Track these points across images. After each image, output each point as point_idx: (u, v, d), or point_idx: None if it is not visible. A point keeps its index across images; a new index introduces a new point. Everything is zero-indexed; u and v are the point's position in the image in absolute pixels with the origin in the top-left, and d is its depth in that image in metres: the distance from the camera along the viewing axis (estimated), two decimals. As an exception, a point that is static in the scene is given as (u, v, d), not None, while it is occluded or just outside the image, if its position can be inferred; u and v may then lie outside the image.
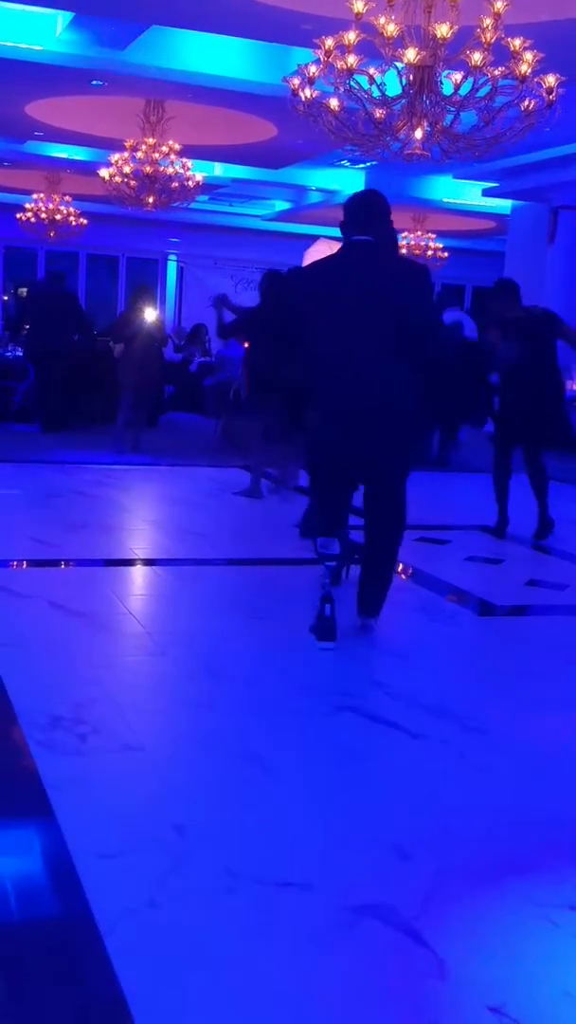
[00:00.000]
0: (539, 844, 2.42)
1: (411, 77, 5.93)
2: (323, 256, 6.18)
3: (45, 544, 5.12)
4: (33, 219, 14.61)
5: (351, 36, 5.74)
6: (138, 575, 4.90)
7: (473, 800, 2.62)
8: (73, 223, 14.72)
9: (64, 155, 12.80)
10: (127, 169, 10.67)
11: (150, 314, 8.91)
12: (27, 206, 14.60)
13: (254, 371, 6.50)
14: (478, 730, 3.07)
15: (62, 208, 14.59)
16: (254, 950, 1.92)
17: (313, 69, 6.09)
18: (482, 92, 5.83)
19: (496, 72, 5.72)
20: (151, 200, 10.96)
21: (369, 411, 3.68)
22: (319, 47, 5.92)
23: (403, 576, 4.82)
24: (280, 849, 2.29)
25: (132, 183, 10.78)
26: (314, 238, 13.76)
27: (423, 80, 5.91)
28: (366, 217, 3.83)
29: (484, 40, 5.61)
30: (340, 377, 3.69)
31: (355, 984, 1.84)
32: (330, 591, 3.71)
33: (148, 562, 5.08)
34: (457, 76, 5.94)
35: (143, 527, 6.01)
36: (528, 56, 5.70)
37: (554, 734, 3.12)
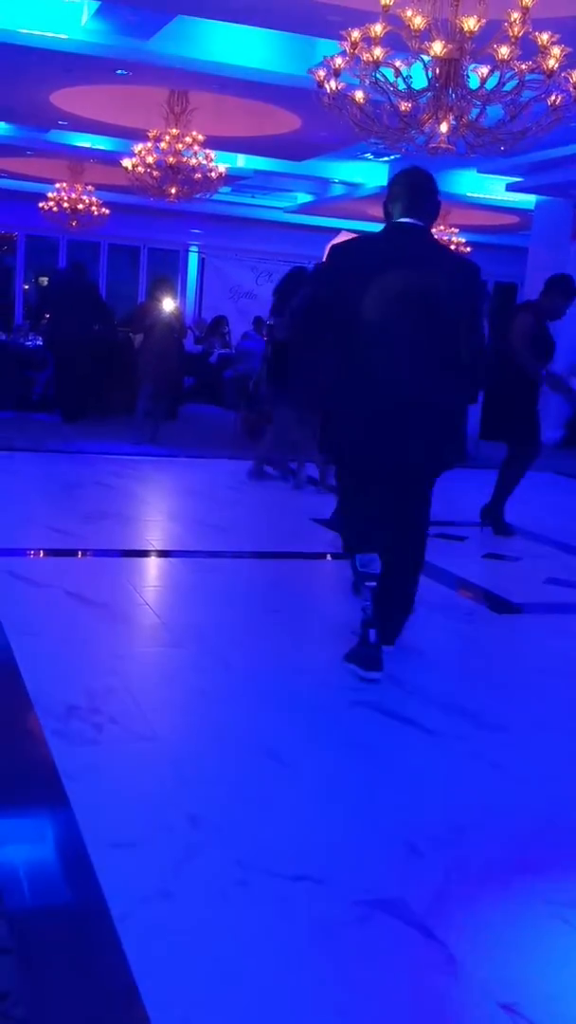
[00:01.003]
0: (553, 842, 2.41)
1: (437, 70, 5.90)
2: None
3: (63, 534, 5.15)
4: (55, 208, 14.64)
5: (377, 28, 5.71)
6: (155, 566, 4.92)
7: (487, 798, 2.62)
8: (95, 213, 14.74)
9: (87, 144, 12.81)
10: (150, 159, 10.67)
11: (169, 305, 8.92)
12: (49, 195, 14.62)
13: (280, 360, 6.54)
14: (494, 727, 3.06)
15: (84, 198, 14.61)
16: (266, 942, 1.92)
17: (339, 61, 6.07)
18: (508, 86, 5.80)
19: (523, 66, 5.68)
20: (174, 191, 10.96)
21: (408, 416, 3.32)
22: (345, 39, 5.89)
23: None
24: (293, 842, 2.30)
25: (155, 173, 10.77)
26: (336, 231, 13.70)
27: (449, 73, 5.87)
28: (416, 197, 3.41)
29: (511, 34, 5.57)
30: (379, 375, 3.31)
31: (366, 979, 1.84)
32: (371, 615, 3.37)
33: (165, 553, 5.09)
34: (484, 70, 5.89)
35: (161, 518, 6.03)
36: (555, 51, 5.66)
37: (570, 733, 3.11)
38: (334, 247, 3.64)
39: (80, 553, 4.92)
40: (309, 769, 2.69)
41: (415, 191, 3.43)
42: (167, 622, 3.87)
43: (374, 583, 3.39)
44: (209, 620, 3.96)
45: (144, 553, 5.05)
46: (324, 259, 3.71)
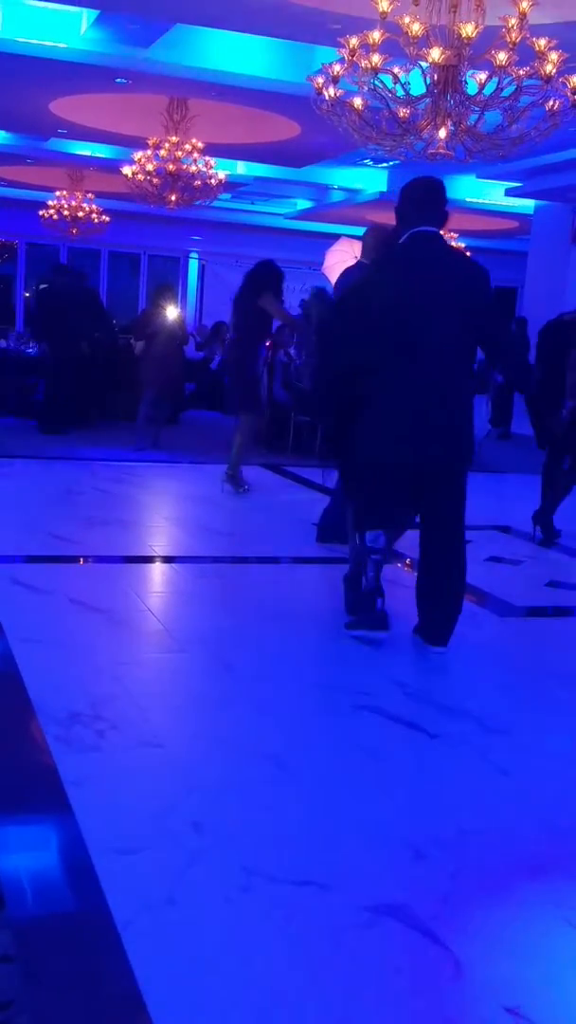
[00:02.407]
0: (558, 846, 2.41)
1: (435, 76, 5.92)
2: (344, 254, 6.17)
3: (65, 540, 5.15)
4: (56, 216, 14.68)
5: (375, 35, 5.73)
6: (157, 572, 4.92)
7: (491, 801, 2.61)
8: (95, 220, 14.78)
9: (87, 153, 12.86)
10: (150, 167, 10.71)
11: (171, 312, 8.94)
12: (50, 203, 14.67)
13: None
14: (498, 731, 3.06)
15: (84, 205, 14.65)
16: (270, 948, 1.92)
17: (337, 68, 6.09)
18: (507, 92, 5.82)
19: (521, 72, 5.70)
20: (174, 198, 11.00)
21: (448, 428, 3.46)
22: (343, 46, 5.91)
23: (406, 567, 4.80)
24: (297, 848, 2.30)
25: (155, 181, 10.81)
26: (336, 237, 13.74)
27: (447, 79, 5.90)
28: (432, 205, 3.54)
29: (509, 40, 5.60)
30: (411, 388, 3.44)
31: (371, 983, 1.84)
32: (377, 584, 3.65)
33: (167, 559, 5.09)
34: (482, 76, 5.92)
35: (162, 524, 6.03)
36: (553, 56, 5.68)
37: (573, 736, 3.10)
38: (364, 265, 3.77)
39: (82, 559, 4.92)
40: (313, 774, 2.69)
41: (432, 198, 3.54)
42: (169, 628, 3.87)
43: (379, 556, 3.66)
44: (211, 626, 3.96)
45: (146, 559, 5.06)
46: (352, 298, 3.73)
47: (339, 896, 2.11)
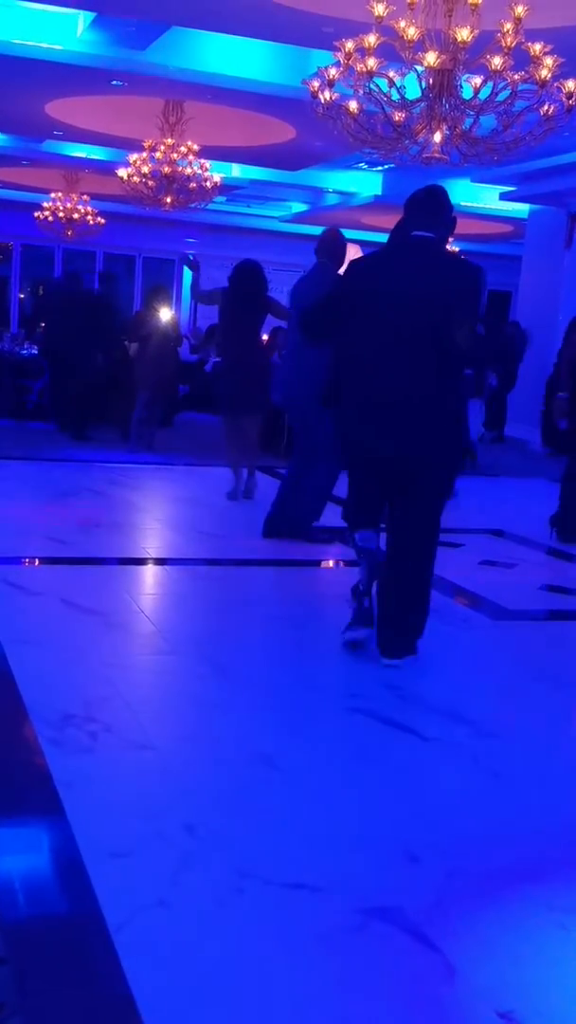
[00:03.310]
0: (551, 849, 2.41)
1: (431, 80, 5.93)
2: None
3: (58, 542, 5.14)
4: (51, 218, 14.67)
5: (371, 39, 5.74)
6: (151, 574, 4.91)
7: (484, 804, 2.62)
8: (91, 222, 14.77)
9: (83, 155, 12.85)
10: (145, 169, 10.70)
11: (165, 314, 8.93)
12: (45, 205, 14.66)
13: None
14: (491, 734, 3.06)
15: (80, 207, 14.64)
16: (263, 951, 1.92)
17: (333, 72, 6.10)
18: (501, 96, 5.83)
19: (516, 76, 5.72)
20: (169, 200, 10.99)
21: (402, 420, 3.47)
22: (339, 50, 5.92)
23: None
24: (290, 850, 2.29)
25: (150, 183, 10.81)
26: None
27: (443, 84, 5.91)
28: (431, 213, 3.63)
29: (504, 44, 5.61)
30: (372, 378, 3.53)
31: (364, 987, 1.84)
32: (364, 587, 3.70)
33: (161, 561, 5.09)
34: (477, 80, 5.93)
35: (156, 526, 6.03)
36: (548, 61, 5.69)
37: (566, 740, 3.11)
38: (352, 262, 4.02)
39: (76, 561, 4.92)
40: (306, 777, 2.69)
41: (426, 207, 3.65)
42: (163, 630, 3.87)
43: (371, 558, 3.71)
44: (205, 628, 3.96)
45: (140, 561, 5.05)
46: (345, 273, 4.03)
47: (332, 899, 2.10)
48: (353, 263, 3.93)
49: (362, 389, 3.60)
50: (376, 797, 2.60)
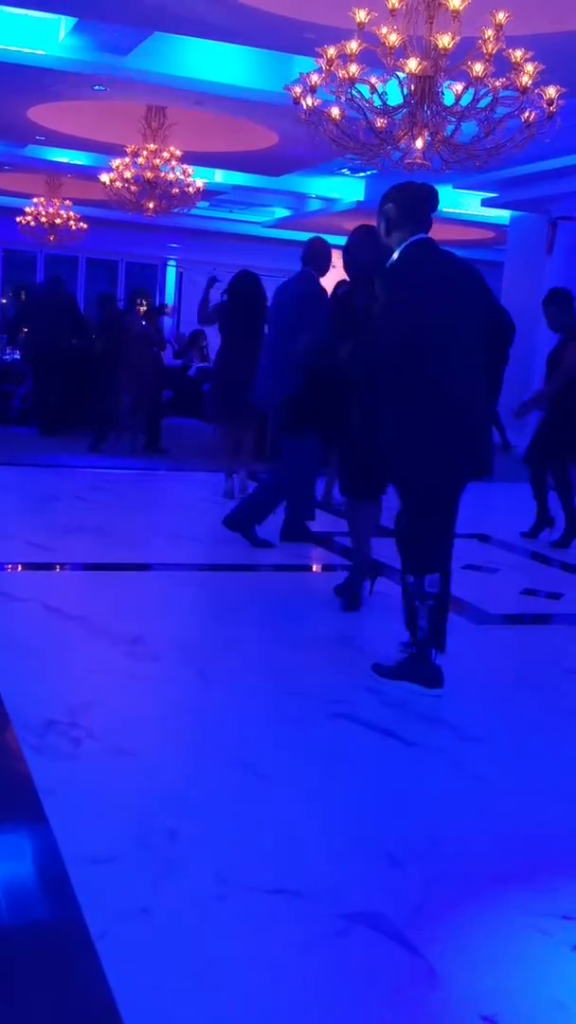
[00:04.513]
0: (532, 854, 2.42)
1: (412, 87, 5.96)
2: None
3: (41, 548, 5.12)
4: (33, 223, 14.64)
5: (353, 45, 5.76)
6: (134, 580, 4.90)
7: (466, 809, 2.62)
8: (73, 227, 14.75)
9: (65, 160, 12.83)
10: (128, 174, 10.70)
11: (145, 317, 8.93)
12: (27, 210, 14.62)
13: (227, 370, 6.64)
14: (473, 739, 3.07)
15: (62, 212, 14.62)
16: (246, 957, 1.91)
17: (315, 78, 6.12)
18: (483, 103, 5.86)
19: (497, 83, 5.75)
20: (151, 205, 10.99)
21: (480, 423, 3.42)
22: (321, 56, 5.94)
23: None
24: (273, 856, 2.29)
25: (133, 188, 10.81)
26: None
27: (424, 90, 5.94)
28: (423, 211, 3.46)
29: (485, 51, 5.64)
30: (455, 389, 3.31)
31: (347, 992, 1.84)
32: (429, 634, 3.38)
33: (144, 567, 5.07)
34: (458, 87, 5.96)
35: (140, 531, 6.01)
36: (529, 67, 5.73)
37: (549, 744, 3.12)
38: (402, 280, 3.58)
39: (58, 567, 4.90)
40: (289, 782, 2.68)
41: (424, 205, 3.46)
42: (145, 636, 3.85)
43: (432, 602, 3.36)
44: (188, 633, 3.95)
45: (123, 566, 5.03)
46: (395, 300, 3.56)
47: (314, 905, 2.10)
48: (408, 283, 3.50)
49: (450, 404, 3.29)
50: (358, 802, 2.60)
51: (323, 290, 5.50)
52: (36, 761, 2.65)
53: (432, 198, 3.50)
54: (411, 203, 3.43)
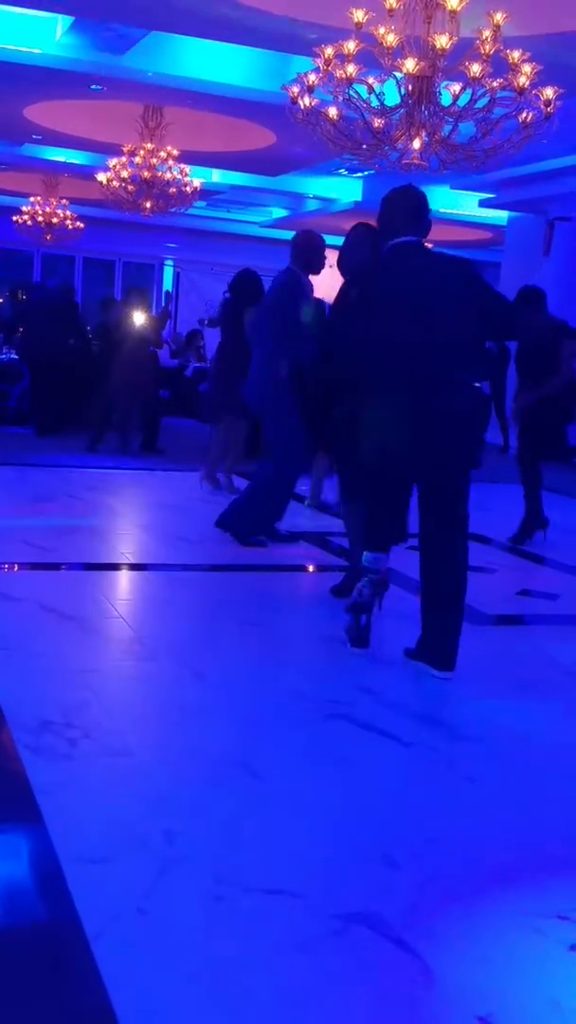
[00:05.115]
0: (527, 853, 2.42)
1: (410, 87, 5.96)
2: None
3: (36, 547, 5.11)
4: (30, 222, 14.62)
5: (350, 45, 5.77)
6: (129, 579, 4.90)
7: (463, 809, 2.62)
8: (70, 227, 14.74)
9: (62, 159, 12.82)
10: (125, 174, 10.69)
11: (141, 317, 8.92)
12: (24, 209, 14.61)
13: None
14: (469, 739, 3.07)
15: (59, 212, 14.61)
16: (242, 958, 1.91)
17: (312, 78, 6.12)
18: (480, 103, 5.87)
19: (494, 84, 5.75)
20: (148, 205, 10.98)
21: (431, 421, 3.45)
22: (318, 56, 5.94)
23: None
24: (269, 856, 2.29)
25: (130, 188, 10.80)
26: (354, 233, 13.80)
27: (422, 90, 5.94)
28: (415, 215, 3.58)
29: (483, 52, 5.65)
30: (399, 387, 3.46)
31: (343, 992, 1.83)
32: (368, 600, 3.65)
33: (139, 567, 5.07)
34: (456, 87, 5.96)
35: (135, 531, 6.01)
36: (527, 68, 5.74)
37: (544, 744, 3.12)
38: (356, 277, 3.88)
39: (54, 566, 4.89)
40: (284, 782, 2.68)
41: (414, 209, 3.57)
42: (141, 635, 3.85)
43: (378, 576, 3.64)
44: (183, 633, 3.95)
45: (118, 566, 5.03)
46: (336, 296, 3.91)
47: (310, 905, 2.10)
48: (361, 281, 3.79)
49: (397, 399, 3.46)
50: (355, 802, 2.60)
51: (297, 287, 5.26)
52: (32, 761, 2.64)
53: (418, 202, 3.59)
54: (396, 207, 3.56)
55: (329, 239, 5.79)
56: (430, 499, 3.60)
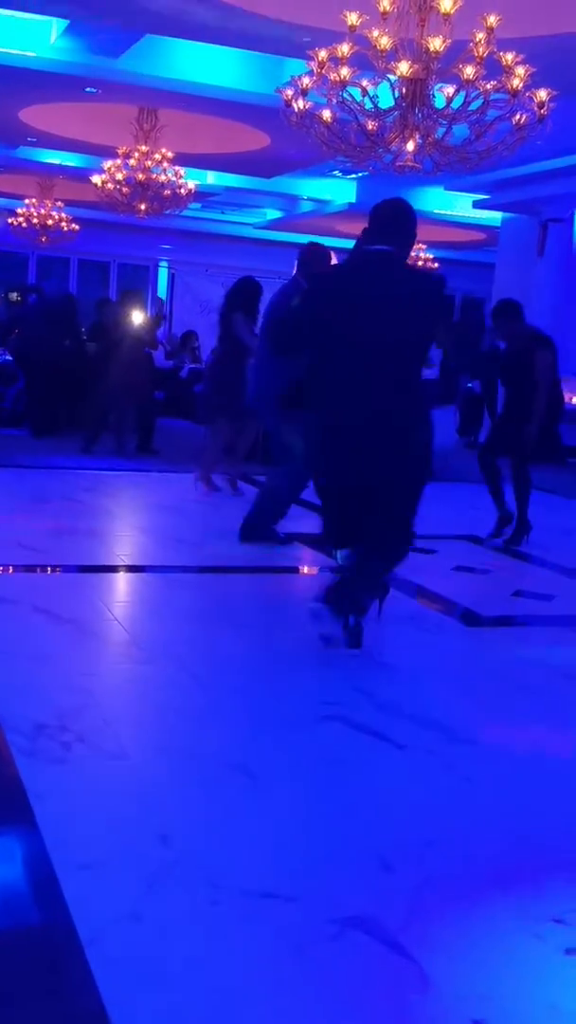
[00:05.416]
0: (523, 856, 2.42)
1: (404, 90, 5.97)
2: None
3: (32, 549, 5.10)
4: (25, 224, 14.61)
5: (344, 48, 5.77)
6: (125, 582, 4.89)
7: (459, 812, 2.62)
8: (65, 228, 14.73)
9: (57, 161, 12.81)
10: (120, 176, 10.69)
11: (137, 318, 8.92)
12: (19, 211, 14.60)
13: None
14: (464, 741, 3.07)
15: (54, 214, 14.60)
16: (238, 962, 1.91)
17: (306, 80, 6.12)
18: (474, 105, 5.87)
19: (488, 86, 5.76)
20: (143, 207, 10.98)
21: (379, 434, 3.49)
22: (312, 58, 5.95)
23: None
24: (265, 860, 2.28)
25: (125, 190, 10.80)
26: (304, 249, 13.80)
27: (416, 93, 5.95)
28: (393, 226, 3.62)
29: (476, 54, 5.65)
30: (350, 397, 3.50)
31: (339, 997, 1.83)
32: (349, 600, 3.69)
33: (135, 569, 5.07)
34: (449, 89, 5.97)
35: (131, 533, 6.00)
36: (520, 71, 5.74)
37: (540, 746, 3.12)
38: (314, 275, 4.01)
39: (49, 569, 4.89)
40: (280, 785, 2.68)
41: (387, 220, 3.63)
42: (137, 638, 3.85)
43: (346, 574, 3.73)
44: (179, 636, 3.95)
45: (114, 568, 5.03)
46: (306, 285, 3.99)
47: (306, 909, 2.10)
48: (317, 278, 3.92)
49: (341, 410, 3.52)
50: (350, 805, 2.60)
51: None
52: (26, 765, 2.64)
53: (398, 213, 3.64)
54: (377, 217, 3.65)
55: (324, 241, 5.80)
56: (375, 499, 3.64)
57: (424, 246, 14.80)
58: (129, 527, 6.24)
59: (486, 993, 1.88)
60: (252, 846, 2.34)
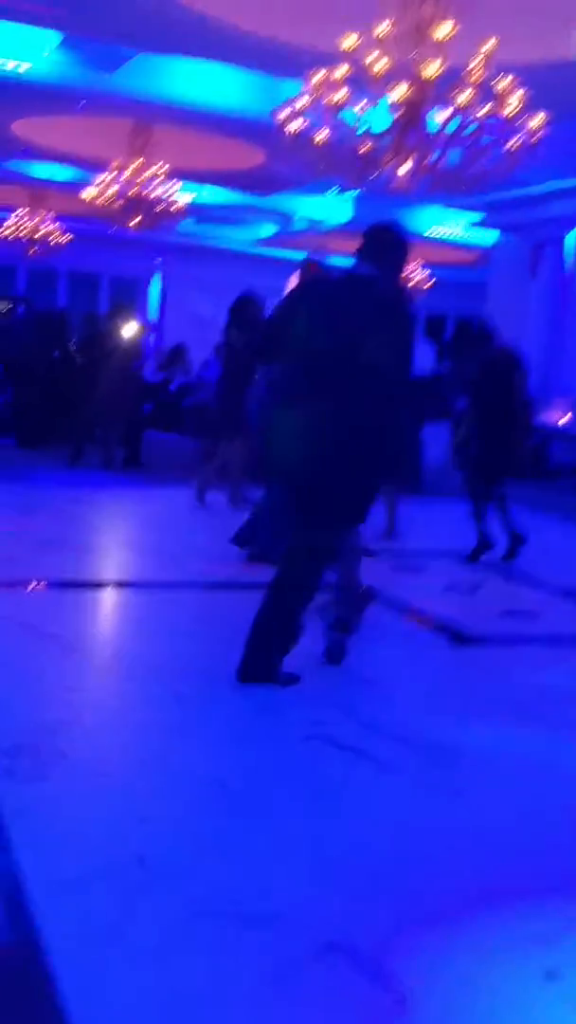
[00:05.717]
0: (507, 877, 2.41)
1: (399, 114, 6.01)
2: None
3: (16, 563, 5.08)
4: (12, 235, 14.59)
5: (340, 71, 5.81)
6: (110, 597, 4.87)
7: (440, 830, 2.61)
8: (54, 241, 14.72)
9: (48, 176, 12.83)
10: (112, 190, 10.70)
11: (127, 331, 8.93)
12: (8, 223, 14.58)
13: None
14: (448, 760, 3.06)
15: (43, 226, 14.58)
16: (215, 985, 1.89)
17: (302, 102, 6.16)
18: (468, 130, 5.92)
19: (481, 113, 5.81)
20: (136, 221, 11.00)
21: (329, 442, 3.50)
22: (308, 81, 5.99)
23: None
24: (245, 881, 2.27)
25: (116, 204, 10.81)
26: (299, 264, 13.84)
27: (410, 117, 5.99)
28: (380, 251, 3.69)
29: (471, 80, 5.70)
30: (307, 405, 3.57)
31: (319, 1020, 1.82)
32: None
33: (121, 584, 5.05)
34: (444, 114, 6.02)
35: (118, 547, 5.98)
36: (514, 98, 5.80)
37: (524, 765, 3.11)
38: (299, 286, 4.08)
39: (35, 583, 4.86)
40: (263, 805, 2.67)
41: (375, 244, 3.70)
42: (121, 655, 3.83)
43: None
44: (164, 652, 3.93)
45: (100, 584, 5.01)
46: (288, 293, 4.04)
47: (286, 929, 2.08)
48: (302, 288, 3.99)
49: (297, 411, 3.60)
50: (333, 824, 2.59)
51: None
52: (6, 783, 2.61)
53: (385, 239, 3.73)
54: (366, 240, 3.72)
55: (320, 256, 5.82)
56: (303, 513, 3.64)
57: (419, 264, 14.85)
58: (115, 541, 6.22)
59: (469, 1017, 1.87)
60: (232, 867, 2.33)
